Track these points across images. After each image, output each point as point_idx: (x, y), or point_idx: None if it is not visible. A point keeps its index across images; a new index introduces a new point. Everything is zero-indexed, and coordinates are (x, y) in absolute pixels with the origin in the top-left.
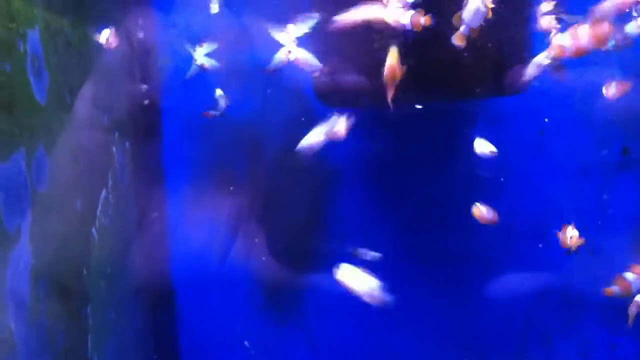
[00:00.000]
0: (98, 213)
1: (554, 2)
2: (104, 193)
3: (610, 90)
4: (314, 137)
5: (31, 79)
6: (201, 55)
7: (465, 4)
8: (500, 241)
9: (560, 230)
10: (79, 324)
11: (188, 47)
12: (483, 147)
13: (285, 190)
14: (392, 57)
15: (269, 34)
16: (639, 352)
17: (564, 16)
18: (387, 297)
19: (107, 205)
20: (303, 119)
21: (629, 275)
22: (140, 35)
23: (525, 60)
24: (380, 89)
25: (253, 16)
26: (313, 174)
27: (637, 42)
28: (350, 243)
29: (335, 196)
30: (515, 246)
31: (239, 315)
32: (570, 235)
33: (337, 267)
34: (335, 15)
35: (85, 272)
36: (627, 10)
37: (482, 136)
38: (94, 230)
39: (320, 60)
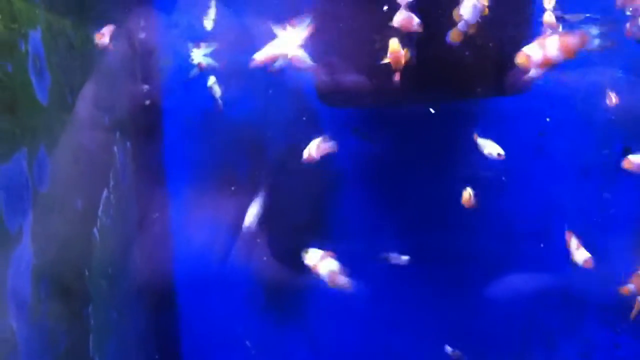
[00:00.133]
0: (99, 213)
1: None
2: (105, 193)
3: (613, 99)
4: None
5: (33, 79)
6: (199, 55)
7: (462, 1)
8: (501, 241)
9: (566, 234)
10: (80, 324)
11: (189, 45)
12: (491, 149)
13: (287, 191)
14: (394, 45)
15: (270, 34)
16: None
17: (567, 16)
18: (348, 281)
19: (108, 205)
20: (305, 119)
21: None
22: (142, 35)
23: None
24: (381, 88)
25: (254, 16)
26: (314, 174)
27: (620, 42)
28: (352, 243)
29: (337, 196)
30: (516, 246)
31: (240, 316)
32: (585, 258)
33: (306, 251)
34: (334, 17)
35: (86, 272)
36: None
37: (483, 136)
38: (95, 230)
39: (322, 60)
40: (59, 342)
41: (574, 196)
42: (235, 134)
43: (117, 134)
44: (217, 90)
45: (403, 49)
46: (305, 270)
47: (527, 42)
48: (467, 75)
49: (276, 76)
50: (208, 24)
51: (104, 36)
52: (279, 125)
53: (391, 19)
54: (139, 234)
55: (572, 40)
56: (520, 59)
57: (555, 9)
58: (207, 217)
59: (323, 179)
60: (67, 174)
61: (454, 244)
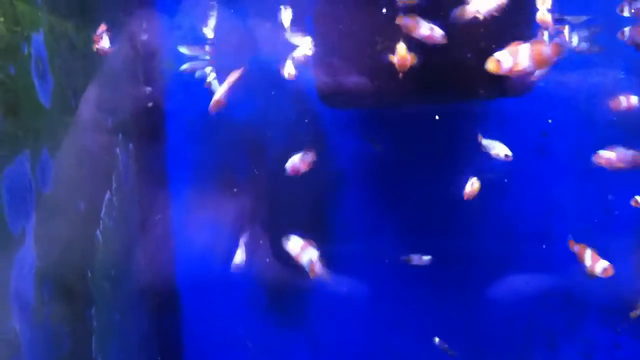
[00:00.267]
0: (102, 215)
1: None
2: (107, 195)
3: (619, 103)
4: None
5: (35, 82)
6: (213, 79)
7: None
8: (503, 242)
9: (575, 247)
10: (83, 325)
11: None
12: (498, 150)
13: (289, 192)
14: (401, 49)
15: (272, 37)
16: None
17: (567, 17)
18: (326, 271)
19: (111, 208)
20: (306, 121)
21: None
22: (144, 38)
23: None
24: (383, 90)
25: (256, 19)
26: (316, 176)
27: (621, 44)
28: (353, 244)
29: (338, 197)
30: (518, 247)
31: (242, 317)
32: (604, 267)
33: (287, 238)
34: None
35: (89, 274)
36: None
37: (485, 137)
38: (98, 232)
39: (323, 61)
40: (62, 343)
41: (575, 197)
42: (237, 135)
43: (120, 136)
44: (217, 86)
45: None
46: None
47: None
48: (469, 76)
49: (278, 78)
50: (208, 32)
51: (101, 39)
52: (280, 127)
53: (392, 21)
54: (142, 235)
55: (545, 49)
56: (490, 64)
57: (550, 10)
58: (209, 219)
59: (324, 180)
60: (70, 176)
61: (455, 245)
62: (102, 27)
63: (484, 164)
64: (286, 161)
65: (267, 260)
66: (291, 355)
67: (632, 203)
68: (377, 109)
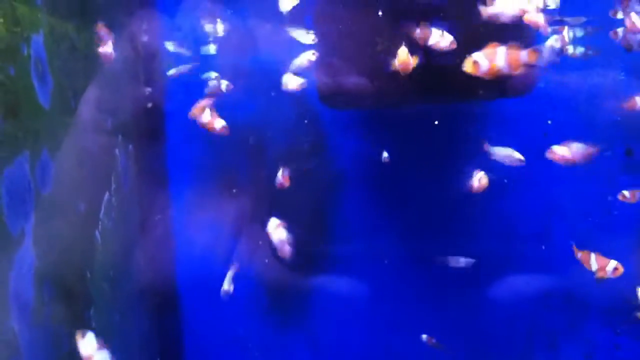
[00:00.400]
0: (101, 215)
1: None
2: (107, 196)
3: (635, 104)
4: None
5: (35, 83)
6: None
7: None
8: (503, 243)
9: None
10: (82, 326)
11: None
12: (511, 155)
13: (289, 193)
14: (403, 53)
15: (273, 37)
16: None
17: (567, 19)
18: (291, 251)
19: (110, 208)
20: (306, 121)
21: None
22: (145, 38)
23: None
24: (383, 90)
25: (257, 20)
26: (317, 176)
27: (604, 50)
28: (353, 244)
29: (338, 198)
30: (518, 248)
31: (242, 318)
32: (614, 267)
33: (269, 220)
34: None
35: (88, 274)
36: None
37: (486, 137)
38: (97, 232)
39: (323, 62)
40: (62, 344)
41: (576, 198)
42: (237, 136)
43: (120, 137)
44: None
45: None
46: (309, 273)
47: (528, 43)
48: (469, 76)
49: (278, 78)
50: (208, 31)
51: (106, 44)
52: (280, 127)
53: (392, 21)
54: (141, 236)
55: (521, 54)
56: (467, 66)
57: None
58: (209, 219)
59: (324, 180)
60: (70, 177)
61: (456, 246)
62: (105, 31)
63: (484, 164)
64: (286, 161)
65: (267, 260)
66: (291, 355)
67: (620, 197)
68: (378, 109)
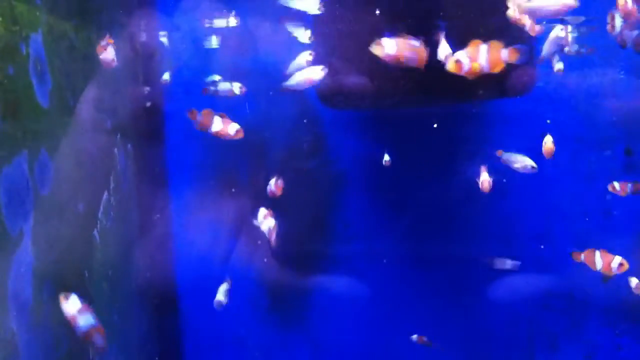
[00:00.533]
0: (100, 215)
1: None
2: (105, 195)
3: None
4: None
5: (34, 82)
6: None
7: None
8: (503, 244)
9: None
10: None
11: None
12: (524, 162)
13: (289, 193)
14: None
15: (272, 37)
16: None
17: (567, 18)
18: (276, 238)
19: (108, 208)
20: (306, 121)
21: None
22: (144, 38)
23: (528, 62)
24: (383, 90)
25: (257, 20)
26: (317, 177)
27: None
28: (353, 245)
29: (338, 198)
30: (518, 249)
31: (242, 318)
32: (619, 262)
33: (258, 210)
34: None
35: (87, 274)
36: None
37: (486, 137)
38: (95, 232)
39: (323, 62)
40: (60, 344)
41: (575, 198)
42: None
43: (118, 136)
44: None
45: None
46: (309, 273)
47: (530, 44)
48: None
49: (278, 78)
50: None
51: (106, 50)
52: (280, 127)
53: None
54: (140, 236)
55: (502, 53)
56: (450, 65)
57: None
58: (209, 219)
59: (324, 181)
60: (68, 177)
61: (456, 246)
62: (107, 38)
63: (484, 165)
64: (286, 161)
65: (266, 260)
66: (291, 355)
67: (609, 188)
68: (377, 109)
